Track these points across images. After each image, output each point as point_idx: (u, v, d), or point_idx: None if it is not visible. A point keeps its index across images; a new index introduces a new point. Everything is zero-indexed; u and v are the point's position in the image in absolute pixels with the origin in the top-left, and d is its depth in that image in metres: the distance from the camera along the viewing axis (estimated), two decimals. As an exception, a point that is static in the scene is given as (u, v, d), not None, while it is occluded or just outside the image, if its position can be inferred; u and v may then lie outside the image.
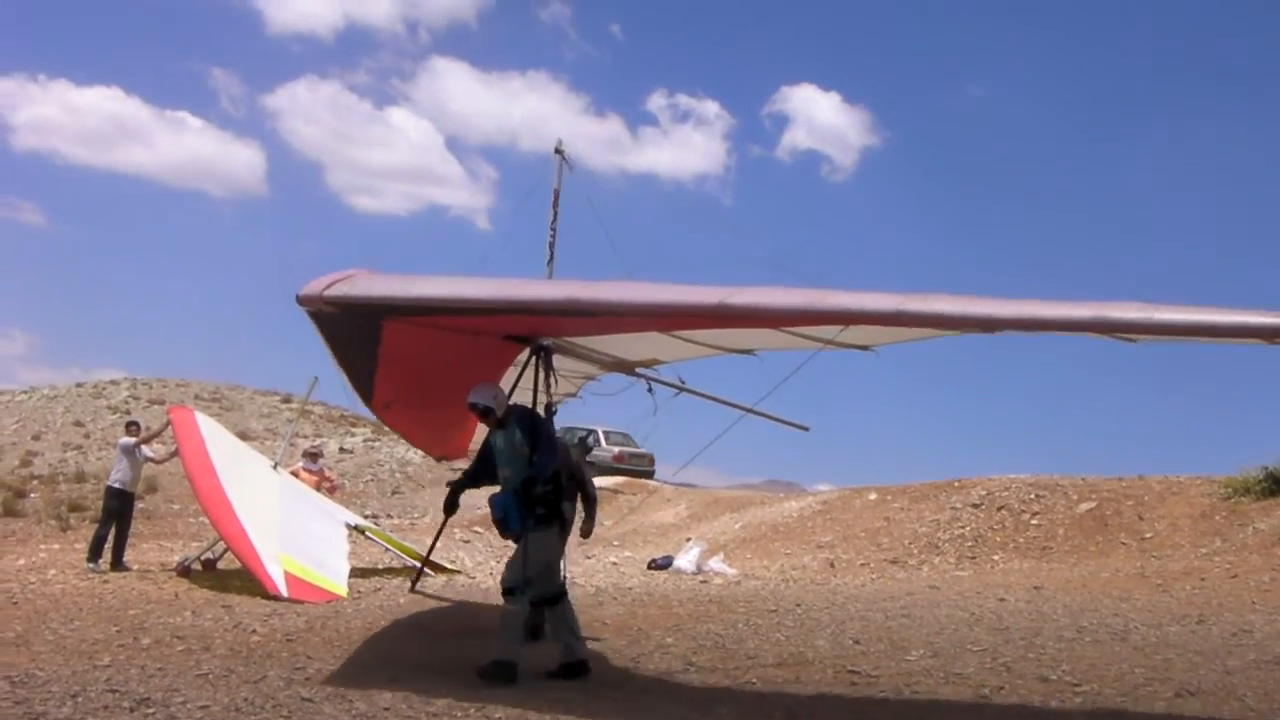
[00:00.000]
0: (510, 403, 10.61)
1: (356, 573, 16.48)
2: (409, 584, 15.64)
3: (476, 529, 24.20)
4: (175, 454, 17.59)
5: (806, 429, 12.96)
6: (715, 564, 20.54)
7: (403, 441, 43.31)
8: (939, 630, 13.05)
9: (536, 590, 10.09)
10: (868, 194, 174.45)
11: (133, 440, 17.65)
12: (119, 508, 17.28)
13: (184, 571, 16.54)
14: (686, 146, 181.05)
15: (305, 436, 37.23)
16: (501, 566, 16.81)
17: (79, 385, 49.23)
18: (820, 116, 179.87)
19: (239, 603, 14.04)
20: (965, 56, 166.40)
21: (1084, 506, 21.79)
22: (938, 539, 21.66)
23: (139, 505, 18.37)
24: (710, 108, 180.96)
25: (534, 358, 11.05)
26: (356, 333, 10.10)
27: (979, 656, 11.30)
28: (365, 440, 42.45)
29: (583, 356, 11.69)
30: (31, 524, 22.58)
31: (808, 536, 23.64)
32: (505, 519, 10.09)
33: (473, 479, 10.74)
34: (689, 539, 23.52)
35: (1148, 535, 20.22)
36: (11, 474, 33.31)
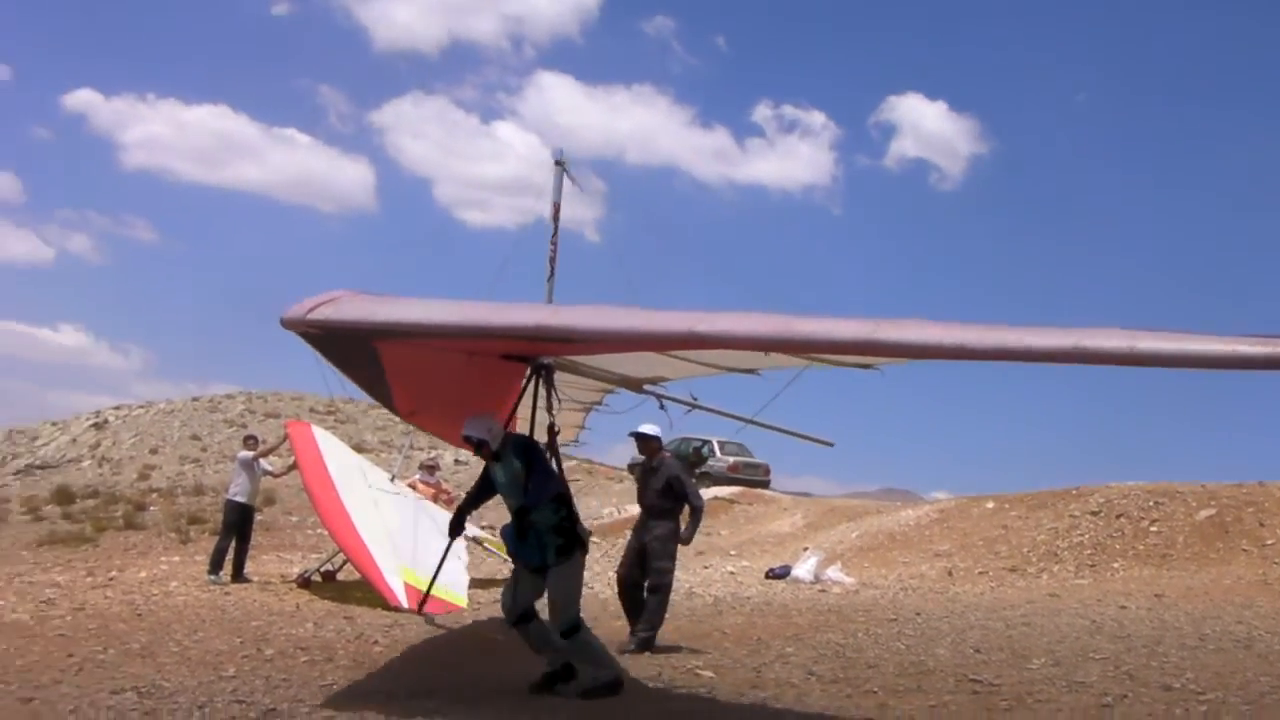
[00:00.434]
0: (505, 431, 10.45)
1: (476, 584, 16.74)
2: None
3: (593, 539, 24.36)
4: (293, 467, 18.03)
5: (830, 444, 12.89)
6: (833, 573, 20.49)
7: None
8: (1060, 639, 12.96)
9: (557, 624, 10.00)
10: (977, 203, 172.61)
11: (251, 454, 18.09)
12: (239, 521, 17.71)
13: (305, 583, 16.93)
14: (793, 157, 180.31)
15: (421, 449, 37.71)
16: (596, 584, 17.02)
17: (195, 400, 50.36)
18: (927, 125, 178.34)
19: (360, 614, 14.35)
20: (1072, 63, 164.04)
21: (1204, 513, 21.45)
22: (1057, 547, 21.43)
23: (258, 518, 18.81)
24: (816, 118, 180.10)
25: (535, 377, 10.92)
26: (354, 352, 10.23)
27: (1101, 665, 11.22)
28: (481, 452, 42.80)
29: (587, 375, 11.60)
30: (152, 537, 23.16)
31: (925, 545, 23.50)
32: (527, 556, 10.05)
33: (474, 501, 10.75)
34: (806, 548, 23.51)
35: (1269, 542, 19.85)
36: (131, 487, 34.18)
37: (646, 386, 12.02)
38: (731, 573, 21.49)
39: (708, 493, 27.26)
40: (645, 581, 12.81)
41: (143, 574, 17.88)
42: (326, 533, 17.69)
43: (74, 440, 44.70)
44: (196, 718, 8.29)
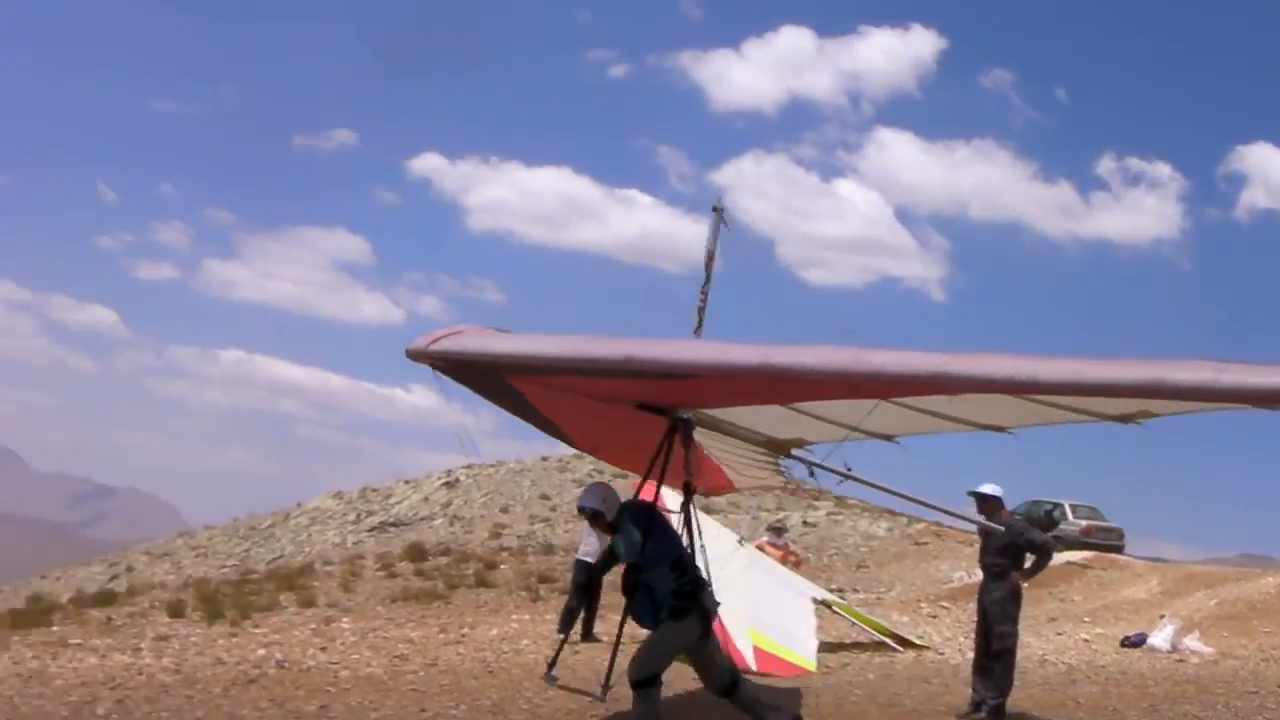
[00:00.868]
0: (623, 501, 10.49)
1: (824, 647, 16.70)
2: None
3: (944, 604, 23.99)
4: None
5: (1001, 530, 12.28)
6: (1190, 642, 19.83)
7: (867, 514, 43.48)
8: None
9: (710, 687, 10.45)
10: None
11: (600, 516, 18.53)
12: (587, 580, 18.16)
13: (652, 644, 17.19)
14: (1139, 210, 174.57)
15: (769, 510, 37.90)
16: (969, 641, 16.72)
17: (544, 459, 51.89)
18: (1278, 175, 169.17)
19: (708, 677, 14.51)
20: None
21: None
22: None
23: (607, 578, 19.29)
24: (1162, 170, 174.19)
25: (674, 433, 10.61)
26: (494, 389, 10.42)
27: None
28: (829, 514, 42.74)
29: (729, 433, 11.18)
30: (503, 594, 23.99)
31: (1288, 614, 22.43)
32: (639, 614, 10.27)
33: (604, 567, 11.07)
34: (1163, 616, 22.70)
35: None
36: (482, 545, 35.47)
37: (794, 451, 11.58)
38: (1086, 640, 20.92)
39: (1060, 557, 26.57)
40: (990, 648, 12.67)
41: (494, 631, 18.54)
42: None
43: (426, 499, 46.66)
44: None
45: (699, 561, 10.72)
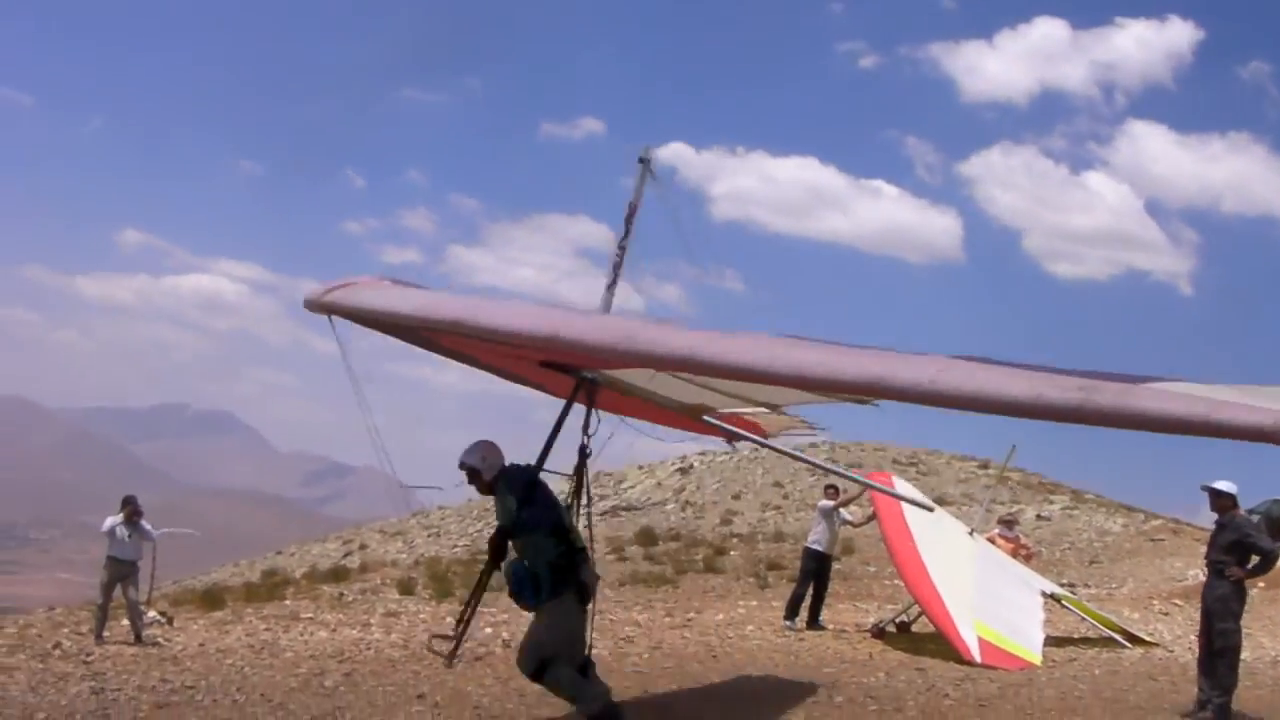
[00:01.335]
0: (507, 464, 9.86)
1: (1051, 641, 16.52)
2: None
3: (1176, 601, 23.37)
4: (872, 518, 18.50)
5: (932, 509, 11.76)
6: None
7: (1102, 509, 42.51)
8: None
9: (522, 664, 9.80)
10: None
11: (831, 504, 18.66)
12: (816, 568, 18.29)
13: (878, 633, 17.26)
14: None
15: (1002, 503, 37.37)
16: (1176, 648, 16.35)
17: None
18: None
19: (932, 666, 14.53)
20: None
21: None
22: None
23: (835, 566, 19.35)
24: None
25: (579, 391, 10.18)
26: (412, 338, 10.32)
27: None
28: (1063, 508, 41.91)
29: (640, 396, 10.65)
30: (730, 580, 24.20)
31: None
32: (520, 591, 9.67)
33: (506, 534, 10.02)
34: None
35: None
36: (712, 531, 35.79)
37: (707, 418, 11.20)
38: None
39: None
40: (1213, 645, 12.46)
41: (720, 616, 18.76)
42: (902, 584, 17.95)
43: (659, 484, 47.18)
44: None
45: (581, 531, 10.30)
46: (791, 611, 18.02)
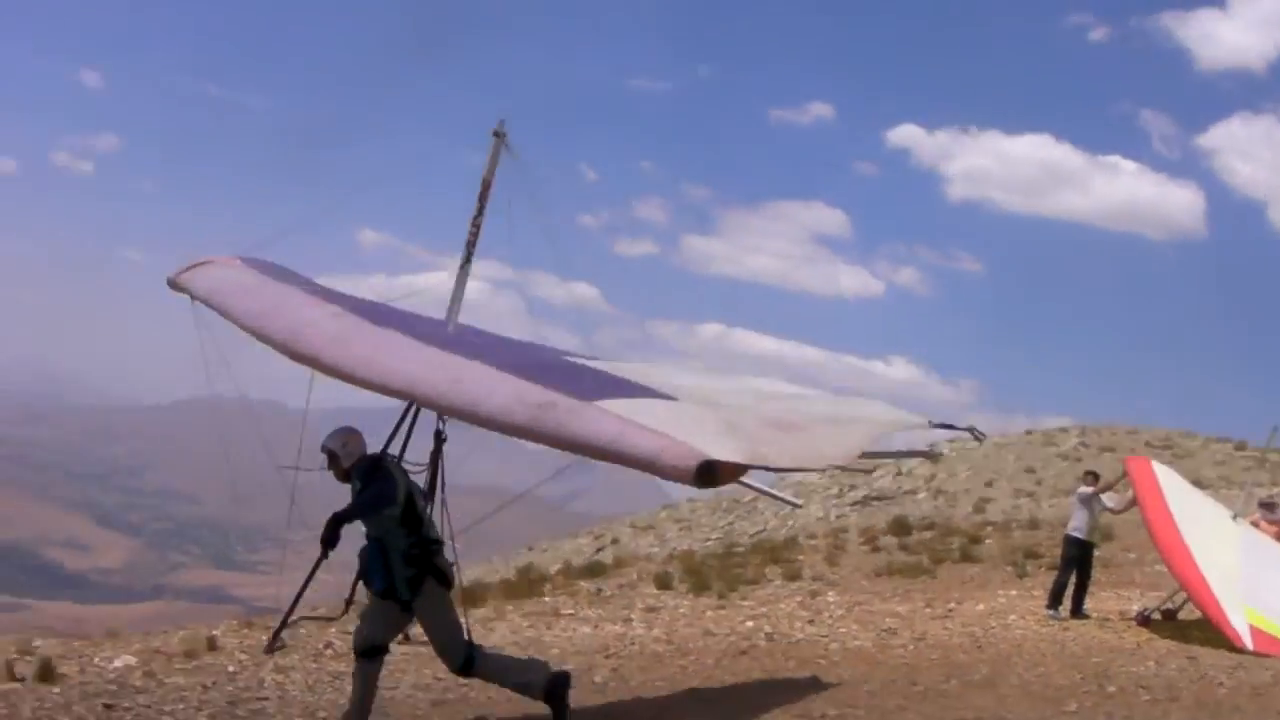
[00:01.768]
0: (364, 452, 9.80)
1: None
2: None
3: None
4: (1133, 503, 18.33)
5: (800, 506, 11.21)
6: None
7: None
8: None
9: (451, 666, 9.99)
10: None
11: (1090, 490, 18.55)
12: (1078, 556, 18.23)
13: (1144, 621, 17.17)
14: None
15: (1262, 485, 36.34)
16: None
17: (1028, 433, 51.14)
18: None
19: (1203, 654, 14.44)
20: None
21: None
22: None
23: (1096, 554, 19.20)
24: None
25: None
26: None
27: None
28: (1336, 487, 40.43)
29: None
30: (988, 569, 24.10)
31: None
32: (368, 574, 9.72)
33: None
34: None
35: None
36: (966, 520, 35.51)
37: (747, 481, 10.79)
38: None
39: None
40: None
41: (980, 606, 18.82)
42: (1166, 570, 17.78)
43: (909, 473, 46.89)
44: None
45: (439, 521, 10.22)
46: (1055, 600, 18.01)
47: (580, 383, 8.04)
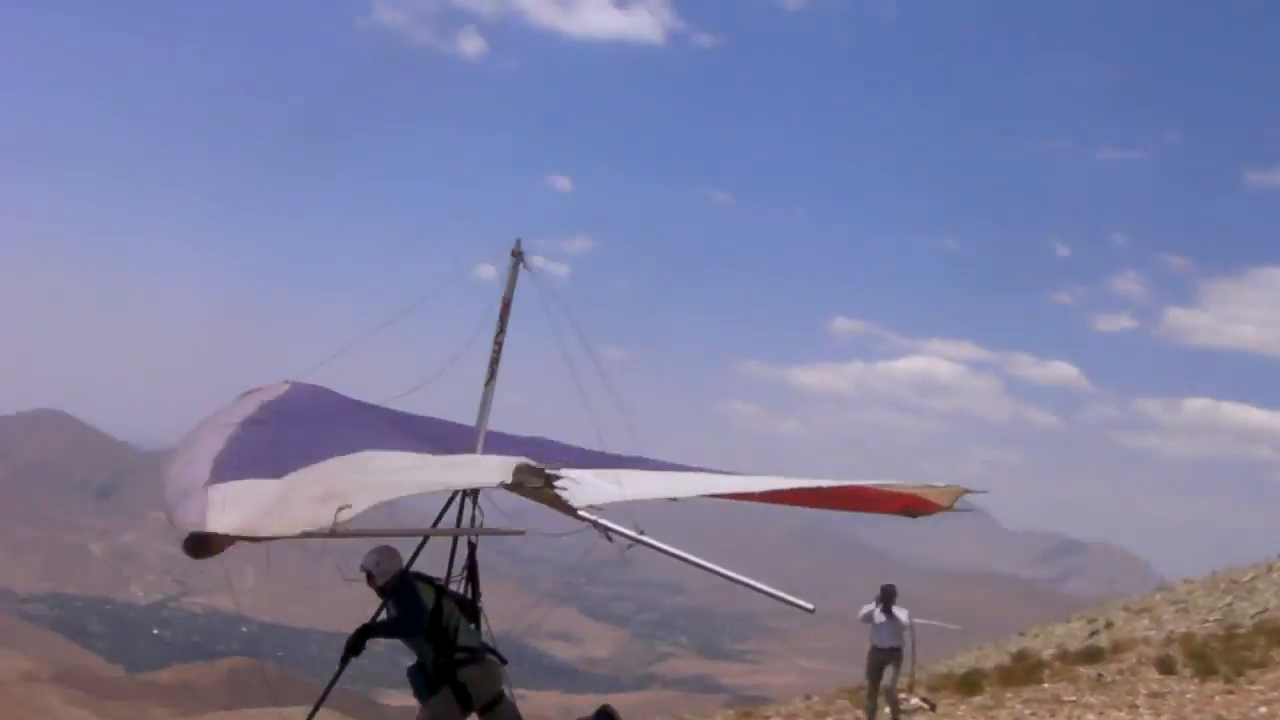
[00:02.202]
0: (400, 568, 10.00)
1: None
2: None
3: None
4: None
5: (811, 610, 9.57)
6: None
7: None
8: None
9: None
10: None
11: None
12: None
13: None
14: None
15: None
16: None
17: None
18: None
19: None
20: None
21: None
22: None
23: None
24: None
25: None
26: None
27: None
28: None
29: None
30: None
31: None
32: (417, 694, 10.00)
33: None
34: None
35: None
36: None
37: (582, 513, 9.79)
38: None
39: None
40: None
41: None
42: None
43: None
44: None
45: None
46: None
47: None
